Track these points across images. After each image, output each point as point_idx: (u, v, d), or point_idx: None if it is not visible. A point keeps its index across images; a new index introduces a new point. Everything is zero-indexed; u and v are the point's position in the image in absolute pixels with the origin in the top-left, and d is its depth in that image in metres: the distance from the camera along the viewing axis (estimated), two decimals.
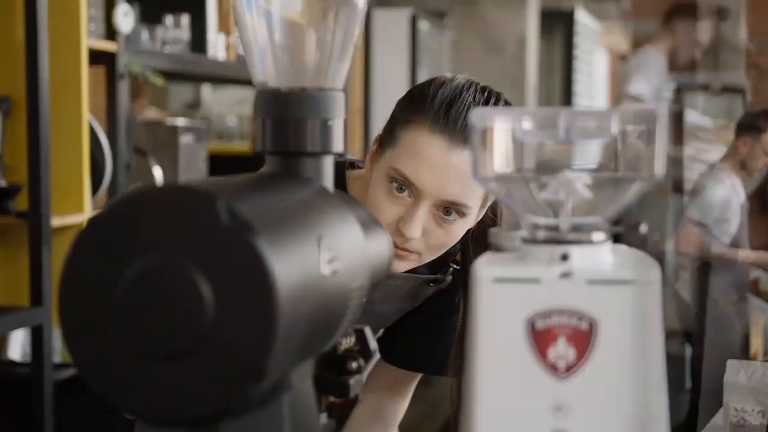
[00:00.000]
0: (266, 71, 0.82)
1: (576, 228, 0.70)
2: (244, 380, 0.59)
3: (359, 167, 1.43)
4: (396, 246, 1.24)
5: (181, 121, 3.18)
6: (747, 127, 4.22)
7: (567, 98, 7.46)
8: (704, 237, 4.31)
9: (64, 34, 2.48)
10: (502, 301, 0.68)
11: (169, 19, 3.04)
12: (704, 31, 4.47)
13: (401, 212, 1.24)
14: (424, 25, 4.82)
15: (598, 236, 0.70)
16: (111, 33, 2.67)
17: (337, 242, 0.72)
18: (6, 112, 2.43)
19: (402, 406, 1.58)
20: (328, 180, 0.82)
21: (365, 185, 1.32)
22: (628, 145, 0.69)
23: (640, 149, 0.69)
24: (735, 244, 4.31)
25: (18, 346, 2.62)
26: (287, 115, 0.80)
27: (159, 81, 2.75)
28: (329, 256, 0.70)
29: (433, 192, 1.23)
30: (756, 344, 5.03)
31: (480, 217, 1.33)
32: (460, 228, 1.27)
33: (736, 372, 1.90)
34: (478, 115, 0.71)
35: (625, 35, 9.38)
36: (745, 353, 4.39)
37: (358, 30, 0.83)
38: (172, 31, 3.01)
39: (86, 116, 2.52)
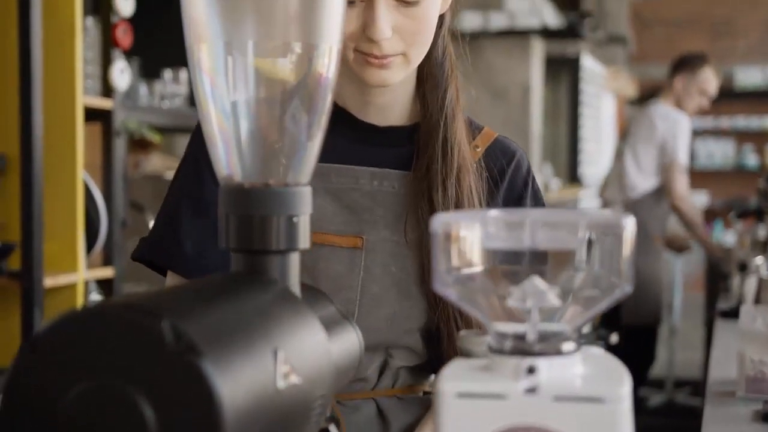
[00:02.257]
0: (230, 165, 0.80)
1: (544, 337, 0.68)
2: None
3: None
4: (375, 56, 1.15)
5: None
6: (682, 65, 4.43)
7: (573, 143, 7.45)
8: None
9: (60, 92, 2.48)
10: (466, 417, 0.65)
11: (167, 74, 3.04)
12: (712, 80, 4.52)
13: (363, 20, 1.14)
14: None
15: (567, 346, 0.67)
16: (108, 90, 2.67)
17: (296, 352, 0.69)
18: (0, 171, 2.41)
19: None
20: (294, 278, 0.79)
21: None
22: (595, 253, 0.67)
23: (608, 258, 0.67)
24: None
25: None
26: (251, 212, 0.78)
27: (155, 138, 2.74)
28: (286, 368, 0.67)
29: None
30: None
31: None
32: (429, 9, 1.16)
33: (751, 318, 1.72)
34: (440, 221, 0.68)
35: (632, 79, 9.39)
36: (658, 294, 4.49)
37: (324, 124, 0.81)
38: (171, 86, 3.01)
39: (81, 174, 2.51)
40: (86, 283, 2.65)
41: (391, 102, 1.26)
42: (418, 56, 1.19)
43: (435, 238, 0.68)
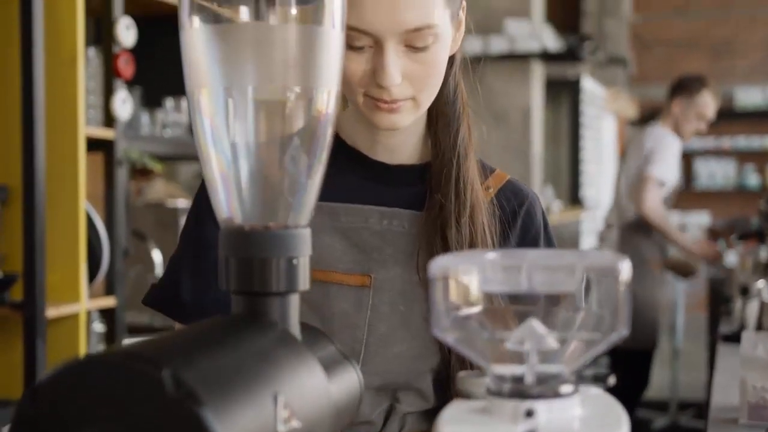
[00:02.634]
0: (230, 208, 0.80)
1: (542, 380, 0.68)
2: None
3: None
4: (384, 101, 1.14)
5: (182, 203, 3.18)
6: (680, 89, 4.42)
7: (574, 165, 7.46)
8: (663, 198, 4.40)
9: (62, 122, 2.49)
10: None
11: (169, 103, 3.06)
12: (710, 104, 4.52)
13: (372, 66, 1.13)
14: None
15: (566, 388, 0.68)
16: (109, 119, 2.68)
17: (296, 395, 0.70)
18: (3, 201, 2.42)
19: None
20: (294, 319, 0.80)
21: None
22: (592, 297, 0.67)
23: (605, 302, 0.67)
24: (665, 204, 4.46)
25: None
26: (251, 255, 0.78)
27: (157, 167, 2.76)
28: (287, 413, 0.68)
29: (388, 30, 1.11)
30: None
31: (459, 39, 1.23)
32: (438, 54, 1.15)
33: (753, 345, 1.72)
34: (438, 265, 0.69)
35: (632, 100, 9.43)
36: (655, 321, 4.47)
37: (323, 165, 0.82)
38: (172, 114, 3.02)
39: (83, 205, 2.51)
40: (88, 313, 2.65)
41: (402, 142, 1.26)
42: (428, 100, 1.18)
43: (433, 282, 0.68)
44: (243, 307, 0.79)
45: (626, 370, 4.37)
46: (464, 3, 1.22)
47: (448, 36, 1.17)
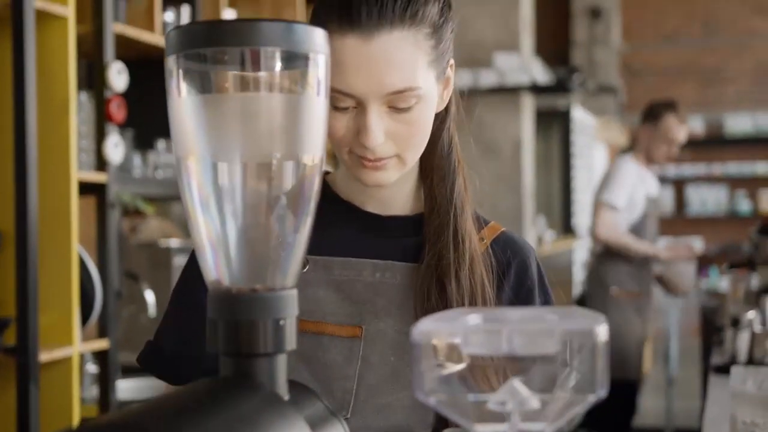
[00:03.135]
0: (218, 271, 0.82)
1: None
2: None
3: None
4: (368, 159, 1.16)
5: (174, 242, 3.20)
6: (646, 116, 4.46)
7: (566, 194, 7.50)
8: (618, 221, 4.37)
9: (55, 167, 2.51)
10: None
11: (161, 144, 3.08)
12: (675, 127, 4.51)
13: (356, 125, 1.14)
14: None
15: None
16: (102, 163, 2.70)
17: None
18: None
19: None
20: (281, 379, 0.81)
21: None
22: (571, 359, 0.69)
23: (584, 364, 0.69)
24: (635, 234, 4.40)
25: None
26: (239, 317, 0.80)
27: (149, 210, 2.78)
28: None
29: (371, 92, 1.12)
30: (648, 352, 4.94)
31: (447, 97, 1.24)
32: (423, 113, 1.16)
33: (742, 380, 1.72)
34: (420, 330, 0.70)
35: (623, 128, 9.49)
36: (639, 353, 4.43)
37: (308, 228, 0.84)
38: (165, 156, 3.05)
39: (76, 248, 2.53)
40: (81, 356, 2.66)
41: (393, 194, 1.27)
42: (413, 157, 1.19)
43: (416, 347, 0.70)
44: (231, 368, 0.80)
45: (613, 400, 4.36)
46: (452, 61, 1.23)
47: (433, 95, 1.18)
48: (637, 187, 4.42)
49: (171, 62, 0.79)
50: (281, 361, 0.81)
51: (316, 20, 1.15)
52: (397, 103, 1.14)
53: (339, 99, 1.13)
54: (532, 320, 0.72)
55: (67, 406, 2.51)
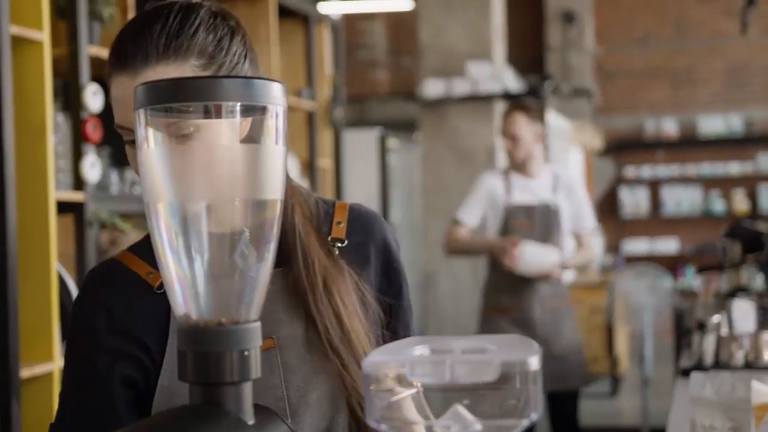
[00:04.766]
0: (186, 306, 0.89)
1: None
2: None
3: None
4: None
5: None
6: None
7: None
8: (468, 235, 4.18)
9: (33, 187, 2.56)
10: None
11: None
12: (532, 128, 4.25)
13: None
14: (393, 142, 4.94)
15: None
16: (79, 182, 2.76)
17: None
18: None
19: None
20: (247, 405, 0.88)
21: None
22: (507, 386, 0.76)
23: (518, 390, 0.76)
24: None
25: None
26: (206, 349, 0.86)
27: (126, 227, 2.84)
28: None
29: None
30: None
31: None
32: (214, 141, 1.15)
33: (701, 385, 1.78)
34: (370, 362, 0.77)
35: (597, 131, 9.59)
36: None
37: (270, 266, 0.90)
38: None
39: (54, 266, 2.58)
40: (61, 371, 2.71)
41: None
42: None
43: (366, 377, 0.77)
44: (199, 396, 0.87)
45: (555, 413, 4.41)
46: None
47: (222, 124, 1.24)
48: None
49: (139, 115, 0.86)
50: (247, 389, 0.88)
51: (106, 68, 1.24)
52: (178, 133, 1.05)
53: (125, 133, 1.22)
54: (473, 351, 0.79)
55: (48, 421, 2.55)
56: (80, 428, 1.27)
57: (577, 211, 4.32)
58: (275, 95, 0.87)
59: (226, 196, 0.87)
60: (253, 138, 0.88)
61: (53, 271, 2.56)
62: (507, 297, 4.23)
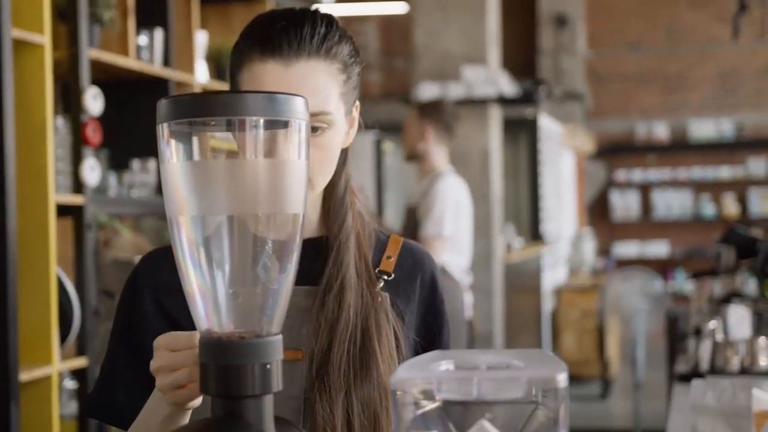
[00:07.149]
0: (209, 320, 0.89)
1: None
2: None
3: None
4: None
5: None
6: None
7: (534, 201, 7.59)
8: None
9: (33, 190, 2.56)
10: None
11: (136, 164, 3.14)
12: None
13: None
14: (388, 146, 4.94)
15: None
16: (78, 185, 2.75)
17: None
18: None
19: None
20: (268, 417, 0.88)
21: None
22: (536, 408, 0.77)
23: (548, 407, 0.77)
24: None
25: None
26: (228, 362, 0.87)
27: (124, 231, 2.83)
28: None
29: None
30: None
31: (352, 135, 1.31)
32: (333, 140, 1.24)
33: (702, 392, 1.79)
34: (397, 379, 0.78)
35: (589, 135, 9.61)
36: None
37: (291, 280, 0.91)
38: (139, 176, 3.10)
39: (54, 269, 2.58)
40: (60, 374, 2.71)
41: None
42: (321, 183, 1.26)
43: (394, 394, 0.77)
44: (221, 409, 0.88)
45: None
46: (358, 102, 1.31)
47: (342, 126, 1.26)
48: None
49: (162, 130, 0.86)
50: (268, 402, 0.88)
51: (238, 52, 1.24)
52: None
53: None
54: (500, 368, 0.80)
55: (47, 424, 2.56)
56: (120, 399, 1.27)
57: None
58: (298, 109, 0.88)
59: (247, 208, 0.87)
60: (275, 152, 0.88)
61: (53, 274, 2.56)
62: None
